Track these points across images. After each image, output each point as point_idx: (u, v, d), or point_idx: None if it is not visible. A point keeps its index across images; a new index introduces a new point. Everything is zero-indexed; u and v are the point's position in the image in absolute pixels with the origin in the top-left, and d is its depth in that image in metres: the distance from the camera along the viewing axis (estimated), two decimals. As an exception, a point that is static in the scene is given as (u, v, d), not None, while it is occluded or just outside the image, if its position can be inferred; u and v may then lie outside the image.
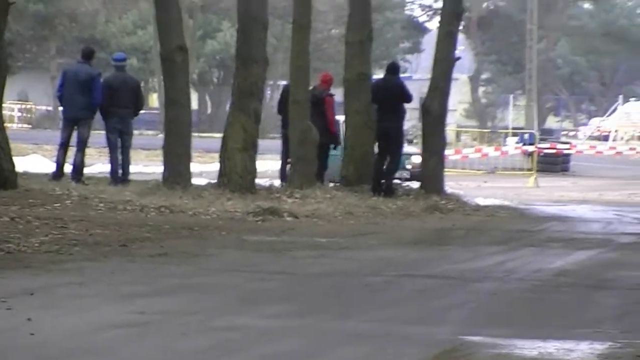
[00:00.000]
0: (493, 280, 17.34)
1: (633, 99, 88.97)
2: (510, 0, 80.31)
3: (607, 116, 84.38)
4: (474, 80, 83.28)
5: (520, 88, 76.67)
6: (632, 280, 17.80)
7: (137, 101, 27.53)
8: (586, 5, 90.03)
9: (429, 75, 32.14)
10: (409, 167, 32.68)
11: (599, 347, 11.81)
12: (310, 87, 28.85)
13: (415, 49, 74.01)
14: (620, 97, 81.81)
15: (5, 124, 25.25)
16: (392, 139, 27.94)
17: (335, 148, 29.36)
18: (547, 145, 53.08)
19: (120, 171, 26.69)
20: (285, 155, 28.11)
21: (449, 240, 22.33)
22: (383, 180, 28.04)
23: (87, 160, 28.21)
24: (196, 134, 31.81)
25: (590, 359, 11.25)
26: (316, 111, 27.04)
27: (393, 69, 29.00)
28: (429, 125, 29.92)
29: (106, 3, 49.17)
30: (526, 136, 55.75)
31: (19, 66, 48.91)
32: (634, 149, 65.52)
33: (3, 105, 24.63)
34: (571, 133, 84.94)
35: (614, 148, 65.16)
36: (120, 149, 26.61)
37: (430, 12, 74.77)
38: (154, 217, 21.97)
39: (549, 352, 11.45)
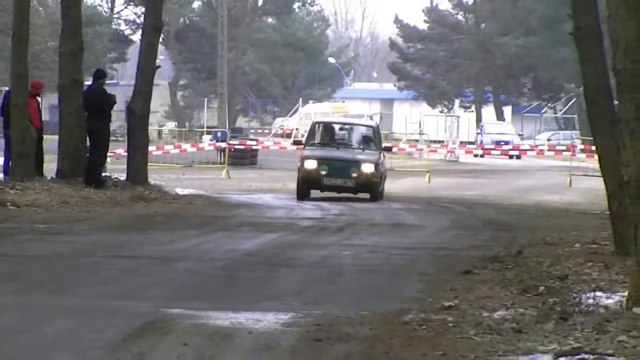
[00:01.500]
0: (191, 260, 17.43)
1: (311, 101, 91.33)
2: (204, 15, 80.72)
3: (289, 116, 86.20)
4: (173, 86, 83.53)
5: (214, 92, 77.23)
6: (312, 259, 17.95)
7: None
8: (270, 20, 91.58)
9: (133, 82, 31.87)
10: (354, 175, 28.80)
11: (283, 317, 11.91)
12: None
13: (122, 58, 73.86)
14: (300, 99, 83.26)
15: None
16: (96, 137, 27.59)
17: None
18: (237, 141, 53.53)
19: None
20: (7, 152, 27.81)
21: (153, 225, 22.51)
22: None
23: None
24: None
25: (276, 327, 11.29)
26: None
27: (97, 75, 28.72)
28: (133, 124, 30.35)
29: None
30: (219, 134, 56.00)
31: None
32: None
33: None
34: (259, 131, 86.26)
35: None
36: None
37: (134, 27, 74.85)
38: None
39: (240, 322, 11.45)
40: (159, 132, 73.35)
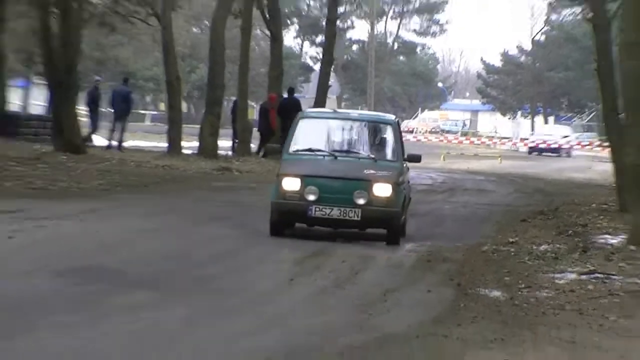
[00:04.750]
0: None
1: (426, 110, 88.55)
2: (359, 53, 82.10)
3: (412, 119, 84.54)
4: (339, 98, 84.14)
5: (365, 103, 72.77)
6: (424, 211, 19.15)
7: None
8: (401, 58, 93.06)
9: (314, 95, 35.73)
10: (361, 202, 12.53)
11: (407, 246, 13.51)
12: (262, 102, 34.29)
13: (307, 80, 76.63)
14: (419, 109, 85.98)
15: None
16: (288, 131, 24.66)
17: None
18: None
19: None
20: (234, 138, 31.78)
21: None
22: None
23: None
24: (185, 125, 34.73)
25: (402, 253, 13.20)
26: (265, 115, 29.60)
27: (291, 91, 30.20)
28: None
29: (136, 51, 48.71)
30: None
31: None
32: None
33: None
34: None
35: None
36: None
37: (315, 60, 78.04)
38: (161, 170, 23.84)
39: (380, 251, 13.16)
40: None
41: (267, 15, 31.26)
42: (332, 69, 40.92)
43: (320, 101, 32.23)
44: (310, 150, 13.57)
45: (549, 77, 73.68)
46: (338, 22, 39.24)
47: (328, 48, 34.59)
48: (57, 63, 23.99)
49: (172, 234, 13.19)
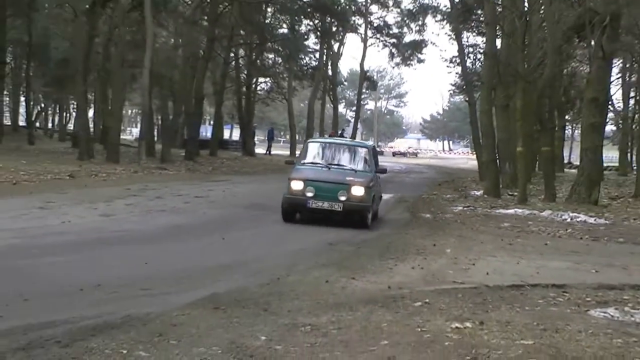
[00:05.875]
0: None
1: None
2: None
3: None
4: (360, 133, 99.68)
5: None
6: (397, 181, 31.96)
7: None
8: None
9: None
10: (342, 198, 17.03)
11: (390, 195, 23.87)
12: (328, 135, 49.74)
13: (347, 125, 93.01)
14: None
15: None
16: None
17: None
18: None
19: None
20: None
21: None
22: None
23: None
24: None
25: (387, 197, 22.32)
26: None
27: (342, 130, 46.29)
28: None
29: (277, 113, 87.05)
30: None
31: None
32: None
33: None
34: None
35: None
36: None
37: (350, 117, 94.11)
38: (283, 164, 38.22)
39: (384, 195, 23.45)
40: None
41: (332, 97, 63.05)
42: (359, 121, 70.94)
43: (353, 135, 60.52)
44: (312, 163, 17.89)
45: (450, 124, 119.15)
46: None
47: (357, 112, 68.96)
48: (244, 119, 53.72)
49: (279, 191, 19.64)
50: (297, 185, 16.96)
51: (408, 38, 59.13)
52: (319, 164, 17.73)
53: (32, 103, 51.24)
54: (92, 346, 6.48)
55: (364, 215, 17.03)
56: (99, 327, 7.11)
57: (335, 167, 17.61)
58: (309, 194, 16.82)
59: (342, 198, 16.80)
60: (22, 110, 56.28)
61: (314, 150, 18.35)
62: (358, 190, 16.87)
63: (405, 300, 8.88)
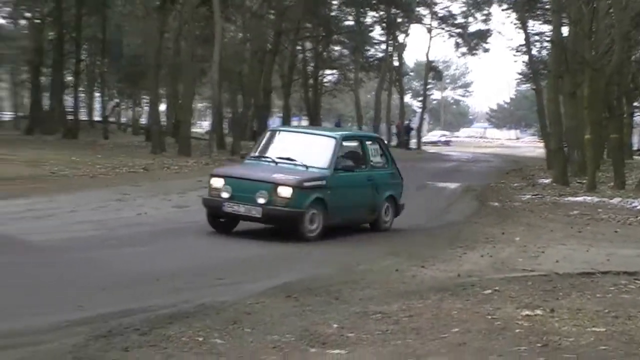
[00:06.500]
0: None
1: None
2: None
3: None
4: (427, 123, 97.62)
5: None
6: (465, 170, 32.13)
7: None
8: None
9: None
10: (261, 200, 12.39)
11: (457, 184, 24.56)
12: (397, 125, 59.93)
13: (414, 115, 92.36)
14: None
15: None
16: None
17: None
18: None
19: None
20: (399, 139, 57.27)
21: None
22: None
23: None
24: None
25: (454, 186, 23.40)
26: (398, 130, 57.89)
27: (409, 121, 52.47)
28: None
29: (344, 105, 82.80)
30: None
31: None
32: None
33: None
34: None
35: None
36: None
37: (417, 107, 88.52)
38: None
39: (447, 185, 23.71)
40: None
41: (398, 88, 60.90)
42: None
43: (419, 125, 61.86)
44: (261, 156, 13.55)
45: (517, 113, 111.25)
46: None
47: (424, 102, 66.09)
48: (311, 110, 53.50)
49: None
50: (216, 183, 12.91)
51: (473, 27, 58.61)
52: (267, 157, 13.49)
53: (106, 98, 52.06)
54: (169, 334, 6.58)
55: (294, 226, 12.45)
56: (175, 315, 7.23)
57: (285, 162, 13.21)
58: (225, 195, 12.67)
59: (261, 201, 12.38)
60: (97, 105, 57.18)
61: (269, 140, 14.17)
62: (284, 191, 12.34)
63: (475, 288, 8.85)
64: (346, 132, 15.87)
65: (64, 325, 6.72)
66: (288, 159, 13.27)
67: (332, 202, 12.78)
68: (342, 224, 13.33)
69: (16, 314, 7.13)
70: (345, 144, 13.78)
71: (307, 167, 13.06)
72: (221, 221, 12.87)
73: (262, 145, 14.01)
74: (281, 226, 12.73)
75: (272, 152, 13.57)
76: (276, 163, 13.25)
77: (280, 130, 14.89)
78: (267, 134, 14.67)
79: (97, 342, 6.28)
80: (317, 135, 14.11)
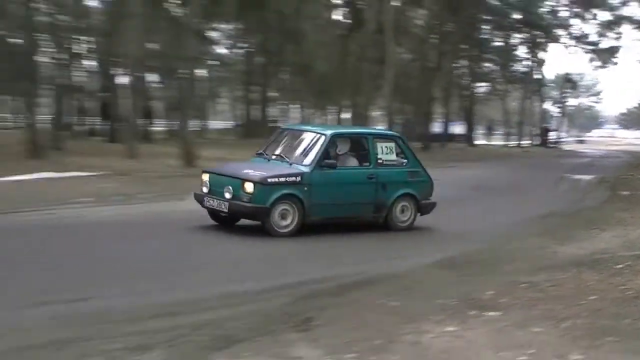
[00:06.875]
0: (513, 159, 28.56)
1: None
2: None
3: None
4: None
5: None
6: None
7: None
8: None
9: None
10: (228, 195, 10.33)
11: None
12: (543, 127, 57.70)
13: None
14: None
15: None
16: None
17: None
18: None
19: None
20: (543, 139, 55.20)
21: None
22: None
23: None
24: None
25: None
26: (543, 132, 55.08)
27: (549, 125, 49.97)
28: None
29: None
30: None
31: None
32: None
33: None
34: None
35: None
36: None
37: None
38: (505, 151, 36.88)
39: None
40: None
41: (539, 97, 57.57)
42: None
43: (557, 128, 57.95)
44: (262, 153, 11.53)
45: None
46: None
47: (561, 109, 64.82)
48: (467, 116, 49.89)
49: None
50: (203, 178, 11.10)
51: (605, 43, 56.25)
52: (266, 155, 11.45)
53: (302, 109, 53.02)
54: (356, 297, 6.65)
55: (260, 222, 10.37)
56: (359, 282, 7.32)
57: (277, 159, 11.21)
58: (204, 189, 10.95)
59: (227, 196, 10.46)
60: (295, 114, 58.23)
61: (275, 138, 12.03)
62: (249, 187, 10.28)
63: (608, 263, 8.48)
64: (343, 130, 12.63)
65: (273, 289, 6.96)
66: (280, 155, 11.19)
67: (311, 199, 10.44)
68: (329, 221, 10.69)
69: (239, 280, 7.42)
70: (341, 141, 11.30)
71: (290, 163, 10.84)
72: (222, 215, 10.75)
73: (269, 143, 11.88)
74: (249, 219, 10.56)
75: (272, 150, 11.49)
76: (269, 160, 11.20)
77: (286, 129, 12.57)
78: (276, 133, 12.43)
79: (296, 304, 6.41)
80: (311, 132, 11.50)
